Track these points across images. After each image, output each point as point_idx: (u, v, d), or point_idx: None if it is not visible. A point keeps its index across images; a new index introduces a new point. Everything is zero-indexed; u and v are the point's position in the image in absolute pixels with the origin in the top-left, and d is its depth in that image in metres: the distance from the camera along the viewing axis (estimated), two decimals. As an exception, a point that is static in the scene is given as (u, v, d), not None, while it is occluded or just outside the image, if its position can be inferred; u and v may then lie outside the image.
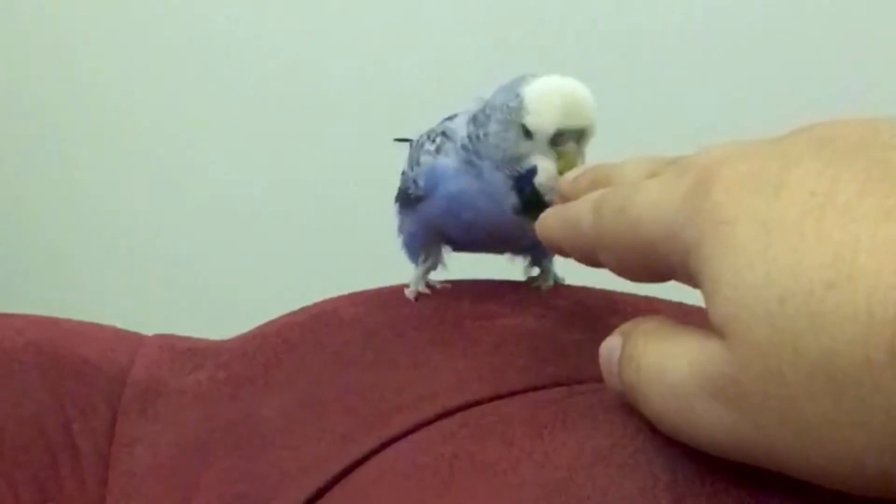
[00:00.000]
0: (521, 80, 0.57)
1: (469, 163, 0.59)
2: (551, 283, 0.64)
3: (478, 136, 0.58)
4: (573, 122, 0.55)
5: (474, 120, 0.59)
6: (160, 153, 1.69)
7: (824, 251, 0.30)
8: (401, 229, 0.68)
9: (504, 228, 0.59)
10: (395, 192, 0.68)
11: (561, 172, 0.54)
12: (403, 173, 0.66)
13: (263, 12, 1.58)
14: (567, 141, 0.55)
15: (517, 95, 0.56)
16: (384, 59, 1.52)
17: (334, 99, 1.55)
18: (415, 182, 0.64)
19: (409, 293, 0.64)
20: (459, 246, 0.67)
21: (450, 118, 0.64)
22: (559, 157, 0.55)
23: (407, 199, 0.66)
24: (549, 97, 0.55)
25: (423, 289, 0.64)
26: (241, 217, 1.65)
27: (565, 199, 0.51)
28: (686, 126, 1.30)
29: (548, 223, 0.48)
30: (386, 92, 1.51)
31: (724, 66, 1.36)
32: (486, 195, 0.58)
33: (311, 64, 1.56)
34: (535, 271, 0.65)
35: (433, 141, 0.63)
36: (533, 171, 0.56)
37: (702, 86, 1.37)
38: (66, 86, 1.72)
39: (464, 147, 0.60)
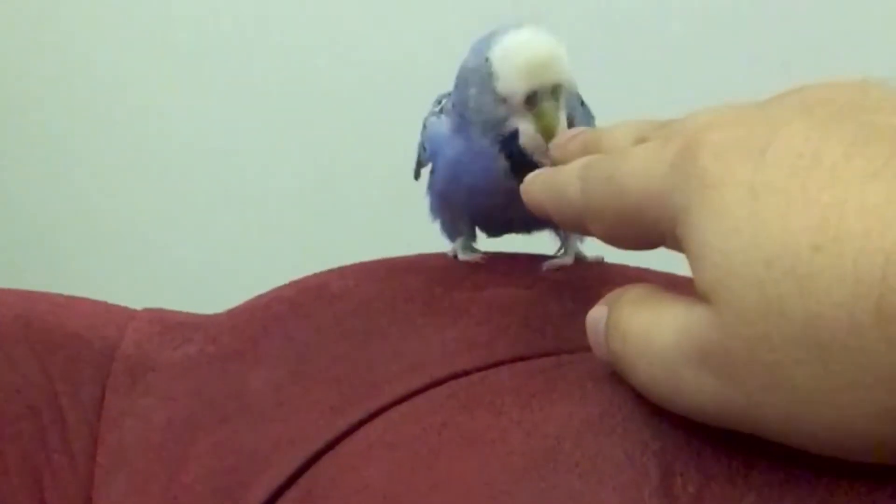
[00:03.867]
0: (488, 40, 0.55)
1: (458, 126, 0.58)
2: (568, 260, 0.62)
3: (460, 100, 0.57)
4: (543, 81, 0.53)
5: (457, 81, 0.58)
6: (148, 131, 1.69)
7: (811, 214, 0.30)
8: (431, 213, 0.67)
9: (503, 194, 0.56)
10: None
11: (542, 133, 0.53)
12: (418, 146, 0.65)
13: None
14: (541, 100, 0.53)
15: (486, 60, 0.54)
16: (368, 46, 1.52)
17: (321, 80, 1.55)
18: (423, 147, 0.63)
19: (450, 252, 0.63)
20: (488, 227, 0.66)
21: None
22: (536, 117, 0.53)
23: (418, 168, 0.65)
24: (514, 59, 0.53)
25: (469, 257, 0.63)
26: (232, 193, 1.65)
27: (555, 162, 0.51)
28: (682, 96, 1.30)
29: (534, 189, 0.48)
30: (373, 74, 1.51)
31: (721, 40, 1.36)
32: (479, 159, 0.57)
33: (296, 47, 1.56)
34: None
35: (438, 102, 0.62)
36: (515, 134, 0.54)
37: (700, 59, 1.37)
38: (56, 70, 1.72)
39: (454, 107, 0.59)
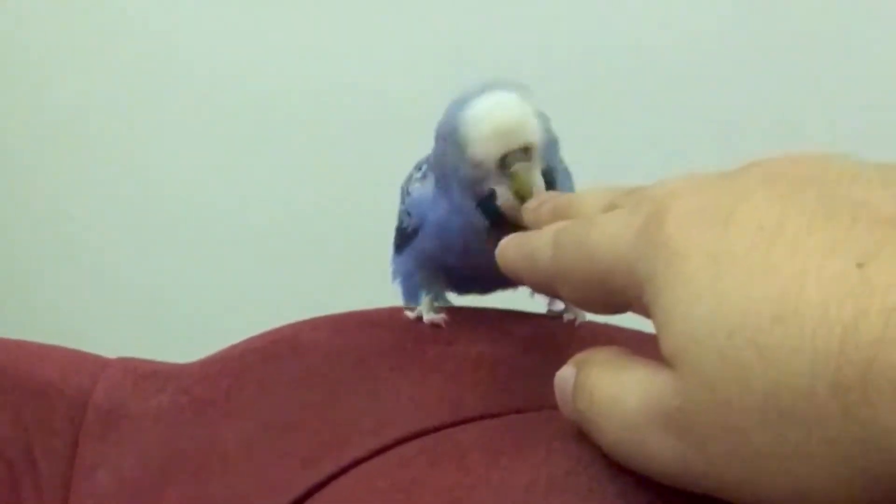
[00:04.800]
0: (460, 104, 0.55)
1: (438, 181, 0.58)
2: (584, 316, 0.62)
3: (439, 160, 0.57)
4: (512, 144, 0.53)
5: (437, 136, 0.58)
6: (125, 175, 1.68)
7: (772, 285, 0.31)
8: (395, 274, 0.66)
9: (487, 252, 0.53)
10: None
11: (516, 194, 0.53)
12: (399, 215, 0.64)
13: (235, 32, 1.58)
14: (514, 161, 0.53)
15: (457, 125, 0.54)
16: (344, 86, 1.52)
17: (299, 121, 1.55)
18: (407, 214, 0.62)
19: (412, 315, 0.63)
20: (463, 286, 0.66)
21: None
22: (511, 178, 0.53)
23: (403, 238, 0.64)
24: (482, 125, 0.53)
25: (433, 317, 0.62)
26: (205, 241, 1.65)
27: (527, 226, 0.52)
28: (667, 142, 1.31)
29: (508, 254, 0.49)
30: (350, 117, 1.51)
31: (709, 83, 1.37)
32: (461, 218, 0.57)
33: (276, 88, 1.56)
34: (558, 305, 0.63)
35: (419, 168, 0.62)
36: (492, 195, 0.54)
37: (686, 102, 1.37)
38: (36, 111, 1.71)
39: (434, 166, 0.59)
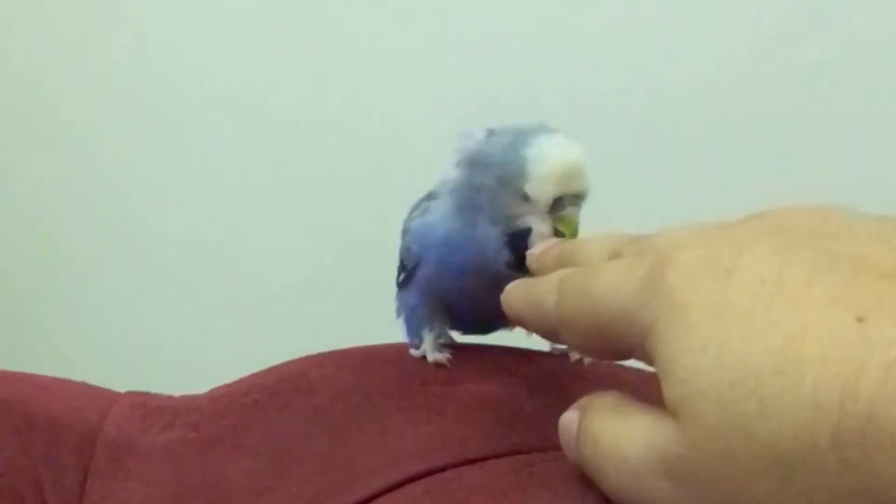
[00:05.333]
0: (523, 138, 0.55)
1: (462, 207, 0.58)
2: (587, 360, 0.62)
3: (471, 185, 0.57)
4: (572, 189, 0.54)
5: (469, 164, 0.58)
6: (128, 208, 1.67)
7: (773, 338, 0.32)
8: (400, 309, 0.67)
9: (493, 279, 0.55)
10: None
11: (562, 236, 0.54)
12: (399, 253, 0.65)
13: (245, 69, 1.58)
14: (566, 206, 0.55)
15: (518, 157, 0.55)
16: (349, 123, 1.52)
17: (303, 157, 1.55)
18: (408, 250, 0.63)
19: (416, 353, 0.63)
20: (464, 322, 0.66)
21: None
22: (559, 221, 0.55)
23: (405, 275, 0.64)
24: (550, 165, 0.54)
25: (438, 357, 0.62)
26: (212, 274, 1.65)
27: (532, 272, 0.53)
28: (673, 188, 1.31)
29: (513, 299, 0.49)
30: (355, 152, 1.51)
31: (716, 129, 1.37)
32: (480, 244, 0.57)
33: (285, 127, 1.56)
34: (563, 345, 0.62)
35: (419, 207, 0.62)
36: (528, 232, 0.55)
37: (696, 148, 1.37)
38: (34, 145, 1.71)
39: (454, 191, 0.59)
